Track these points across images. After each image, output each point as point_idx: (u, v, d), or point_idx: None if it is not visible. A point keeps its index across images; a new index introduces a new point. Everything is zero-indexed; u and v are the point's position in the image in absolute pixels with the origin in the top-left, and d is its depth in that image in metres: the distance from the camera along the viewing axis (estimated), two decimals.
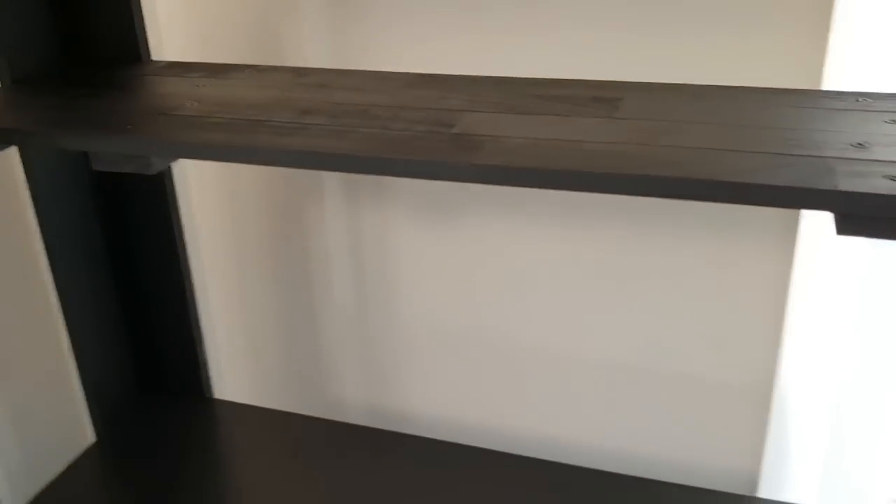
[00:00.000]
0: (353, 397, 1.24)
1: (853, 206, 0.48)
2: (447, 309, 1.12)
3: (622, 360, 1.05)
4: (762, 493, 0.99)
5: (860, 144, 0.54)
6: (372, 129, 0.61)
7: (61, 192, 0.85)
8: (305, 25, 1.00)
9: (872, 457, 0.90)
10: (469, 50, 0.92)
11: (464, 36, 0.92)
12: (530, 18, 0.88)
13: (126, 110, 0.67)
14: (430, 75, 0.74)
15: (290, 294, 1.19)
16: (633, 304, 1.01)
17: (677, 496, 0.85)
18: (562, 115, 0.62)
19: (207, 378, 1.03)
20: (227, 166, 1.10)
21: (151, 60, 0.84)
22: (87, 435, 1.01)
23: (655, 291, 1.00)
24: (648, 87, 0.68)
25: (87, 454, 0.96)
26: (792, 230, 0.90)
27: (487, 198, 1.03)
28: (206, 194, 1.13)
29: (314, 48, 1.00)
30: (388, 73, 0.76)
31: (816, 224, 0.87)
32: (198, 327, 0.98)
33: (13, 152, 0.83)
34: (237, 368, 1.25)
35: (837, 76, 0.77)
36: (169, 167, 0.87)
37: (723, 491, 0.85)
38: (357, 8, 0.95)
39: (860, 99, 0.63)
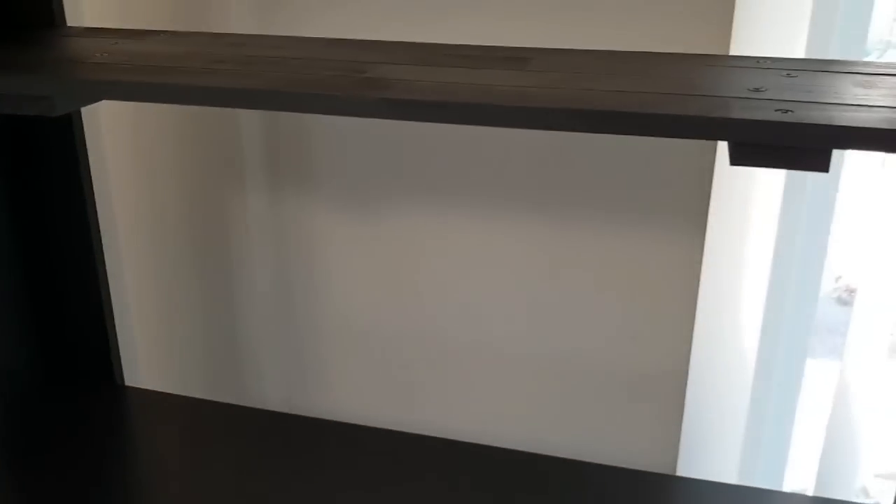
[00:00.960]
0: (272, 392, 1.21)
1: (746, 133, 0.49)
2: (369, 303, 1.12)
3: (544, 351, 1.05)
4: (680, 473, 1.00)
5: (757, 89, 0.56)
6: (282, 73, 0.61)
7: None
8: (233, 6, 1.00)
9: (787, 435, 0.91)
10: (398, 30, 0.93)
11: (392, 15, 0.93)
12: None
13: (35, 60, 0.66)
14: (350, 39, 0.74)
15: (210, 283, 1.16)
16: (554, 296, 1.02)
17: (598, 475, 0.85)
18: (472, 68, 0.63)
19: (119, 365, 1.00)
20: (144, 141, 1.08)
21: (67, 26, 0.82)
22: None
23: (575, 283, 1.01)
24: (560, 52, 0.69)
25: None
26: (702, 221, 0.92)
27: (412, 190, 1.04)
28: (122, 175, 1.11)
29: (243, 28, 1.00)
30: (309, 37, 0.76)
31: (724, 215, 0.90)
32: (110, 311, 0.95)
33: None
34: (152, 358, 1.21)
35: (742, 49, 0.80)
36: (80, 129, 0.85)
37: (642, 470, 0.85)
38: None
39: (760, 61, 0.65)
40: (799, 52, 0.79)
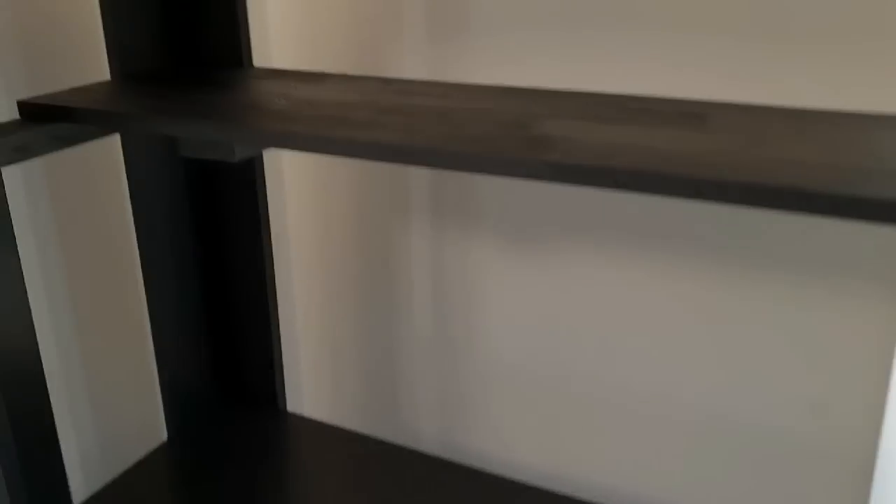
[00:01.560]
0: (427, 426, 1.21)
1: None
2: (527, 343, 1.09)
3: (710, 413, 0.99)
4: None
5: None
6: (445, 128, 0.60)
7: (156, 187, 0.88)
8: (406, 40, 1.02)
9: None
10: (564, 70, 0.91)
11: (558, 55, 0.91)
12: (623, 40, 0.87)
13: (217, 103, 0.70)
14: (517, 88, 0.73)
15: (372, 314, 1.19)
16: (726, 352, 0.95)
17: None
18: (643, 125, 0.60)
19: (283, 390, 1.04)
20: (319, 180, 1.12)
21: (253, 66, 0.87)
22: (160, 433, 1.03)
23: (750, 341, 0.94)
24: (739, 107, 0.65)
25: (158, 452, 0.98)
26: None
27: (578, 228, 1.01)
28: (298, 208, 1.16)
29: (412, 62, 1.01)
30: (474, 85, 0.76)
31: None
32: (278, 338, 0.99)
33: (116, 145, 0.87)
34: (315, 383, 1.25)
35: None
36: (260, 169, 0.89)
37: None
38: (456, 27, 0.96)
39: None
40: None
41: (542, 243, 1.04)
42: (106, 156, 0.95)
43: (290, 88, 0.75)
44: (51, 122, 0.71)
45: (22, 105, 0.73)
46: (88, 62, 0.90)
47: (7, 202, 0.71)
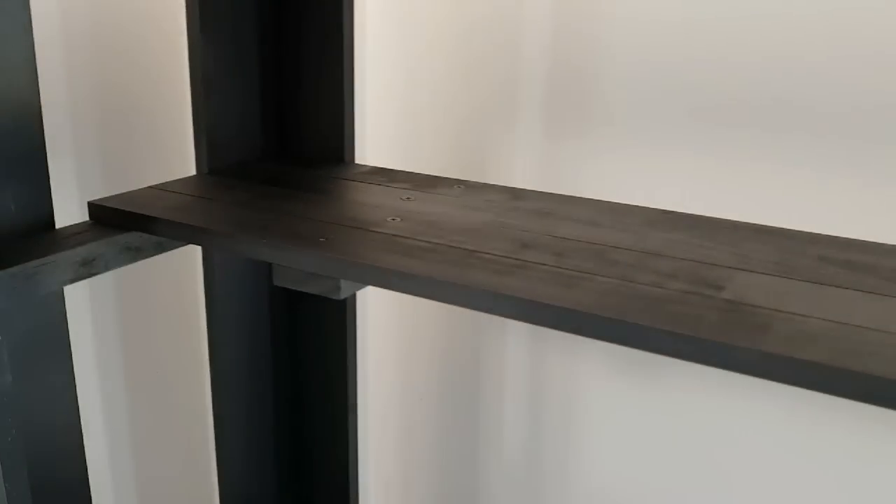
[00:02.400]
0: None
1: None
2: (633, 479, 0.95)
3: None
4: None
5: None
6: (610, 280, 0.48)
7: (236, 299, 0.77)
8: (517, 143, 0.90)
9: None
10: (711, 185, 0.78)
11: (703, 167, 0.78)
12: (794, 150, 0.73)
13: (320, 219, 0.58)
14: (675, 213, 0.61)
15: (455, 434, 1.06)
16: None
17: None
18: (869, 293, 0.46)
19: None
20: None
21: (355, 164, 0.76)
22: None
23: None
24: None
25: None
26: None
27: None
28: (379, 315, 1.04)
29: (524, 167, 0.90)
30: (622, 205, 0.63)
31: None
32: (355, 478, 0.86)
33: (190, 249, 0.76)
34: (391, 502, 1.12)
35: None
36: (353, 300, 0.78)
37: None
38: (576, 129, 0.84)
39: None
40: None
41: (659, 366, 0.90)
42: (182, 254, 0.85)
43: (402, 200, 0.63)
44: (124, 230, 0.61)
45: (93, 207, 0.63)
46: (173, 153, 0.81)
47: (67, 323, 0.61)
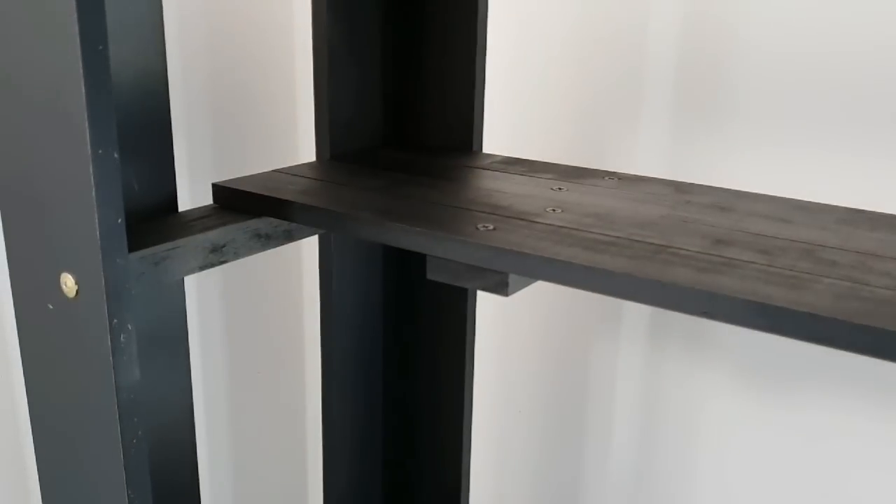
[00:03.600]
0: None
1: None
2: (757, 500, 0.87)
3: None
4: None
5: None
6: (840, 282, 0.41)
7: (351, 290, 0.72)
8: (641, 135, 0.84)
9: None
10: (861, 182, 0.71)
11: (843, 160, 0.71)
12: None
13: (469, 208, 0.53)
14: (867, 212, 0.54)
15: (557, 447, 0.99)
16: None
17: None
18: None
19: None
20: None
21: (484, 153, 0.70)
22: None
23: None
24: None
25: None
26: None
27: (837, 367, 0.79)
28: (484, 314, 0.98)
29: (647, 160, 0.83)
30: (804, 201, 0.56)
31: None
32: (467, 478, 0.80)
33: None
34: None
35: None
36: (474, 296, 0.71)
37: None
38: (705, 122, 0.78)
39: None
40: None
41: (793, 380, 0.83)
42: (283, 253, 0.80)
43: (553, 190, 0.57)
44: (253, 214, 0.55)
45: (218, 189, 0.57)
46: (284, 138, 0.75)
47: (186, 315, 0.56)
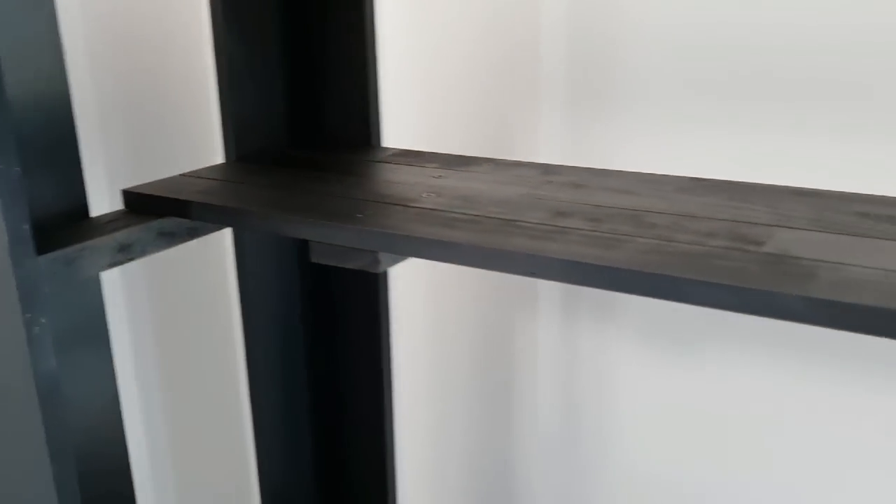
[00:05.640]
0: None
1: None
2: (670, 460, 0.95)
3: None
4: None
5: None
6: (648, 240, 0.48)
7: (268, 282, 0.78)
8: (542, 121, 0.90)
9: None
10: (735, 154, 0.78)
11: (727, 137, 0.78)
12: (817, 117, 0.73)
13: (354, 198, 0.59)
14: (710, 180, 0.61)
15: (488, 415, 1.06)
16: None
17: None
18: None
19: (394, 498, 0.91)
20: (433, 269, 1.01)
21: (382, 147, 0.76)
22: None
23: None
24: None
25: None
26: None
27: (737, 328, 0.87)
28: (408, 296, 1.04)
29: (550, 145, 0.90)
30: (654, 174, 0.63)
31: None
32: (392, 453, 0.86)
33: (226, 231, 0.77)
34: (423, 490, 1.12)
35: None
36: (385, 273, 0.78)
37: None
38: (600, 104, 0.84)
39: None
40: None
41: (690, 342, 0.90)
42: (211, 241, 0.86)
43: (434, 178, 0.64)
44: (158, 215, 0.61)
45: (127, 195, 0.63)
46: (199, 142, 0.81)
47: (105, 310, 0.61)
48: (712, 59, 0.77)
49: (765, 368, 0.85)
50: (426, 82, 0.93)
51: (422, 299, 1.04)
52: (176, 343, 0.88)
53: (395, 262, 0.53)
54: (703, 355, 0.89)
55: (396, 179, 0.64)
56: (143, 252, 0.59)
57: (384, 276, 0.78)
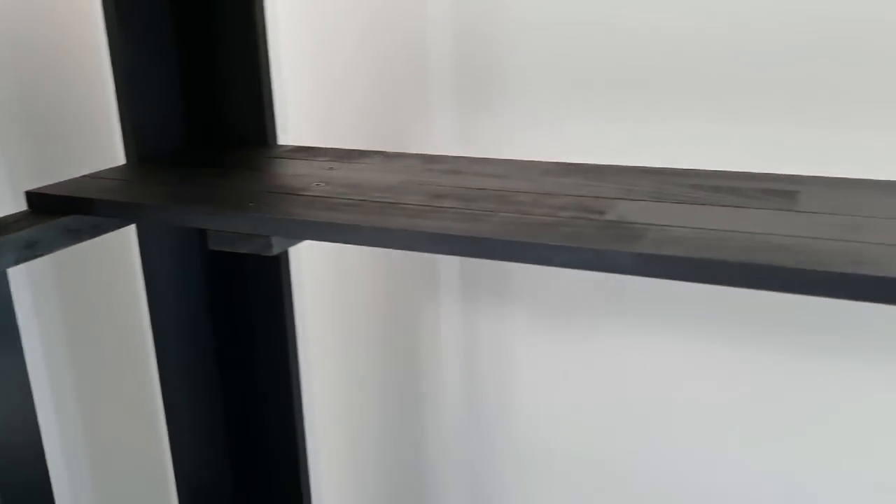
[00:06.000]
0: None
1: None
2: (564, 424, 1.02)
3: (754, 488, 0.92)
4: None
5: None
6: (510, 214, 0.54)
7: (173, 277, 0.82)
8: (433, 115, 0.96)
9: None
10: (611, 142, 0.85)
11: (605, 126, 0.86)
12: (680, 108, 0.82)
13: (248, 189, 0.64)
14: (573, 164, 0.68)
15: (397, 395, 1.12)
16: (779, 438, 0.89)
17: None
18: (730, 207, 0.54)
19: (307, 481, 0.96)
20: (339, 260, 1.07)
21: (278, 144, 0.81)
22: None
23: (805, 425, 0.87)
24: (828, 182, 0.59)
25: None
26: None
27: (620, 304, 0.95)
28: (316, 285, 1.09)
29: (442, 138, 0.96)
30: (525, 161, 0.70)
31: None
32: (302, 433, 0.91)
33: (125, 234, 0.80)
34: (337, 472, 1.17)
35: None
36: (286, 257, 0.83)
37: None
38: (488, 98, 0.91)
39: None
40: None
41: (578, 321, 0.98)
42: (117, 241, 0.89)
43: (325, 170, 0.69)
44: (62, 214, 0.65)
45: (31, 196, 0.66)
46: (100, 145, 0.84)
47: (13, 304, 0.64)
48: (587, 57, 0.84)
49: (644, 337, 0.94)
50: (324, 81, 0.98)
51: (330, 289, 1.09)
52: (87, 337, 0.90)
53: (287, 245, 0.58)
54: (588, 328, 0.97)
55: (290, 172, 0.69)
56: (49, 248, 0.63)
57: (286, 263, 0.83)
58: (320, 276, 1.07)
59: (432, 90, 0.95)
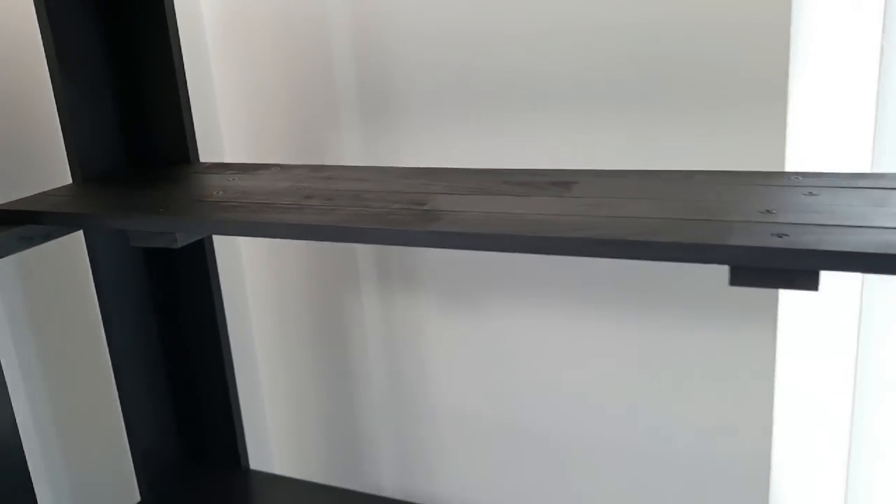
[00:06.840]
0: (388, 474, 1.30)
1: (741, 258, 0.55)
2: (474, 393, 1.19)
3: (637, 443, 1.09)
4: None
5: (768, 211, 0.61)
6: (355, 208, 0.72)
7: (118, 276, 0.99)
8: (342, 132, 1.14)
9: None
10: (473, 150, 1.03)
11: (470, 140, 1.04)
12: (523, 123, 0.99)
13: (164, 198, 0.81)
14: (426, 168, 0.85)
15: (332, 375, 1.29)
16: (643, 388, 1.06)
17: None
18: (520, 196, 0.71)
19: (245, 450, 1.12)
20: (274, 256, 1.23)
21: (199, 162, 0.98)
22: (134, 495, 1.11)
23: (660, 379, 1.05)
24: (604, 173, 0.77)
25: None
26: (772, 315, 0.95)
27: (508, 287, 1.12)
28: (256, 284, 1.26)
29: (351, 151, 1.13)
30: (390, 167, 0.87)
31: (794, 306, 0.92)
32: (237, 403, 1.08)
33: (80, 241, 0.97)
34: (282, 443, 1.34)
35: (796, 159, 0.84)
36: (212, 253, 1.00)
37: None
38: (385, 115, 1.09)
39: (793, 178, 0.70)
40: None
41: (478, 302, 1.15)
42: (73, 250, 1.06)
43: (228, 181, 0.86)
44: (18, 224, 0.81)
45: None
46: (49, 166, 1.01)
47: None
48: (466, 80, 1.02)
49: (535, 317, 1.11)
50: (254, 106, 1.15)
51: (272, 283, 1.26)
52: (50, 333, 1.07)
53: (189, 239, 0.75)
54: (490, 312, 1.14)
55: (200, 184, 0.86)
56: (7, 252, 0.80)
57: (212, 258, 1.00)
58: (265, 273, 1.24)
59: (342, 112, 1.12)
